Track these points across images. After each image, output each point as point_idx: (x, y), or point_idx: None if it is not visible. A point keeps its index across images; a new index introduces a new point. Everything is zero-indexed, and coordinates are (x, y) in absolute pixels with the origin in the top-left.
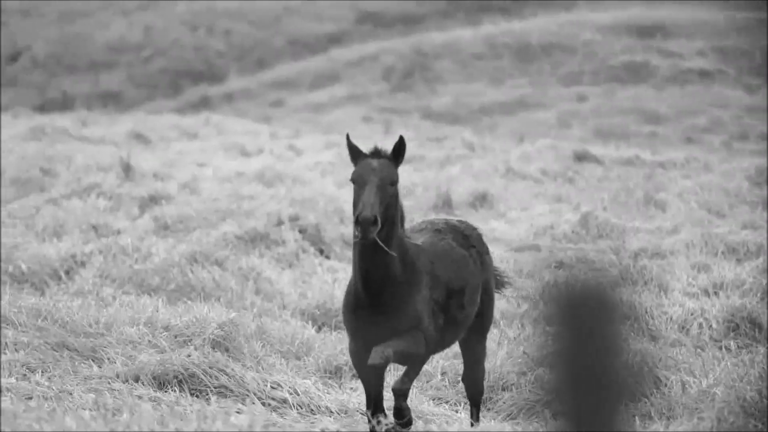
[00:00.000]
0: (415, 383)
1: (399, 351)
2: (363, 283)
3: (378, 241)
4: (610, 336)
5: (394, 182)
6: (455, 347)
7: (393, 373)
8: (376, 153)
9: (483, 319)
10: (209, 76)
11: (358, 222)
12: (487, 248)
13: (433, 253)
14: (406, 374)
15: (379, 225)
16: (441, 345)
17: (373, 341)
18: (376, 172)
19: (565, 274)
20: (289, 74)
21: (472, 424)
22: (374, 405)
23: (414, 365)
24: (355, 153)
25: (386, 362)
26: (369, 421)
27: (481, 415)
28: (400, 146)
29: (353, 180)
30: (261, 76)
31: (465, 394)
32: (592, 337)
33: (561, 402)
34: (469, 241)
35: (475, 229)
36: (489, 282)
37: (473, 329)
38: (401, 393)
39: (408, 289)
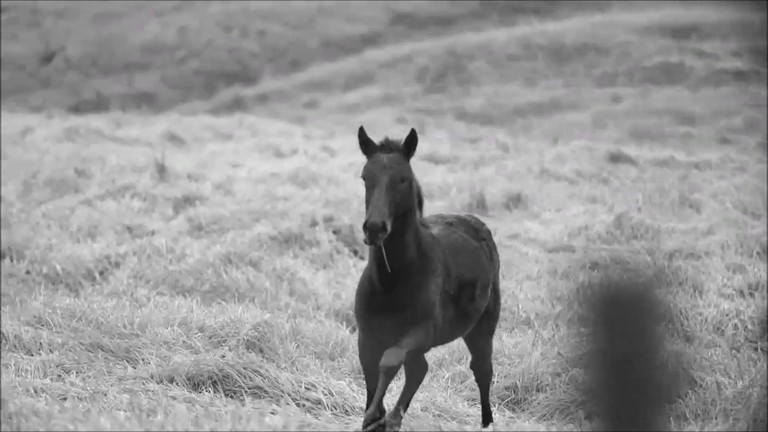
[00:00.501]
0: (449, 383)
1: (412, 351)
2: (378, 270)
3: (383, 250)
4: (646, 337)
5: (405, 178)
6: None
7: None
8: (387, 146)
9: (490, 317)
10: (243, 77)
11: (365, 227)
12: (494, 244)
13: (447, 245)
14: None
15: (388, 230)
16: (448, 337)
17: (384, 331)
18: (387, 169)
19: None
20: (322, 75)
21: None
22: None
23: (416, 358)
24: (366, 146)
25: (400, 364)
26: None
27: (515, 415)
28: (411, 139)
29: (363, 177)
30: (295, 77)
31: (500, 395)
32: (628, 337)
33: (596, 403)
34: (480, 234)
35: (484, 224)
36: (497, 278)
37: (480, 326)
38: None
39: (422, 278)
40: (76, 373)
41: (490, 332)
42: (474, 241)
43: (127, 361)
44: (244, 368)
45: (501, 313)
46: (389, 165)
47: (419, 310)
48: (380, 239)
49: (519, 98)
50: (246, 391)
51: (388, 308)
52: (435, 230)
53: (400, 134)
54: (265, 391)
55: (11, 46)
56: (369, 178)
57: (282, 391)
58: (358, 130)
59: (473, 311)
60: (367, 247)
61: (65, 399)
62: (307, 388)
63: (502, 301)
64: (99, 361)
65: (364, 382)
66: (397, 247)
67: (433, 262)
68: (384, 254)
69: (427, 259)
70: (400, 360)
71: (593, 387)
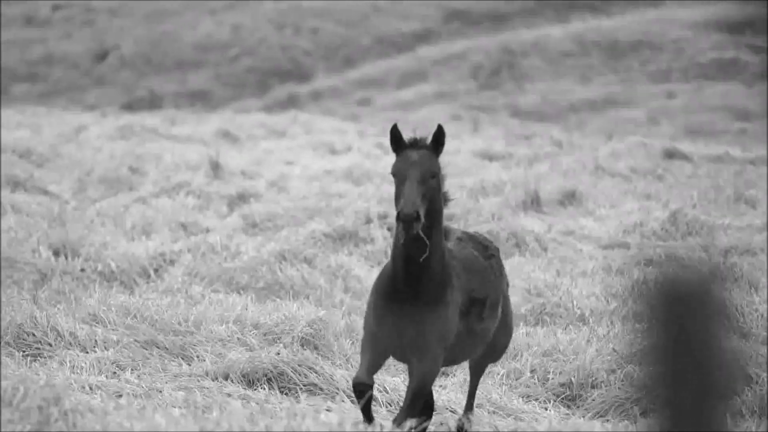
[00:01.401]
0: (504, 380)
1: (418, 395)
2: (404, 277)
3: (421, 233)
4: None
5: (435, 174)
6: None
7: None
8: (416, 143)
9: (495, 345)
10: (296, 74)
11: (399, 218)
12: (502, 263)
13: (460, 259)
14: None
15: (422, 220)
16: (456, 358)
17: (398, 336)
18: (416, 165)
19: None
20: (376, 73)
21: (463, 421)
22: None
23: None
24: (396, 143)
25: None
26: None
27: (569, 411)
28: (439, 135)
29: (393, 173)
30: (348, 75)
31: (555, 392)
32: (685, 334)
33: (652, 400)
34: (489, 251)
35: (492, 242)
36: (507, 301)
37: (485, 353)
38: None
39: (443, 291)
40: (131, 370)
41: (493, 359)
42: (483, 259)
43: (182, 359)
44: (299, 365)
45: (556, 310)
46: (419, 160)
47: (437, 329)
48: (415, 229)
49: (573, 95)
50: (301, 388)
51: (407, 315)
52: (448, 244)
53: (454, 131)
54: (320, 388)
55: (65, 45)
56: (399, 173)
57: (337, 388)
58: (392, 128)
59: (481, 331)
60: None
61: (120, 396)
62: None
63: (556, 298)
64: (154, 358)
65: None
66: (422, 248)
67: (452, 275)
68: (423, 238)
69: (447, 272)
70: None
71: (649, 384)
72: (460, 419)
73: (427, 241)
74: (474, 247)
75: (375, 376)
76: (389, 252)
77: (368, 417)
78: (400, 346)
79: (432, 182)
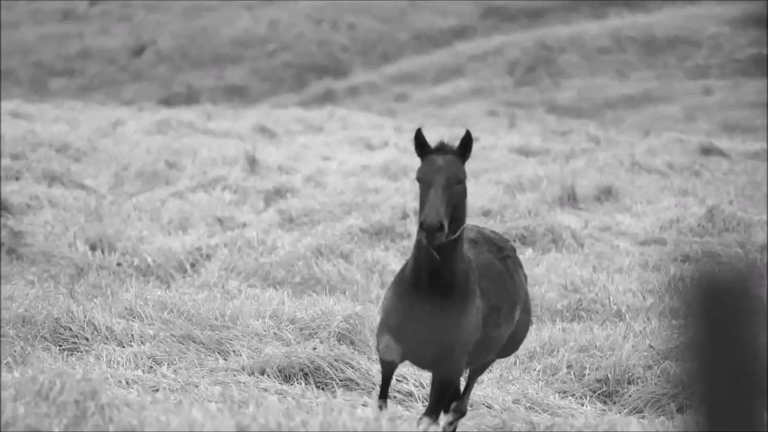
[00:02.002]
0: (540, 376)
1: (440, 403)
2: (428, 284)
3: (433, 252)
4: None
5: (460, 181)
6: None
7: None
8: (442, 148)
9: (513, 341)
10: (333, 70)
11: (422, 228)
12: (520, 262)
13: (477, 266)
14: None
15: (446, 230)
16: (471, 363)
17: (421, 341)
18: (442, 171)
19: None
20: (413, 68)
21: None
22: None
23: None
24: (421, 148)
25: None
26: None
27: (606, 407)
28: (467, 141)
29: (418, 179)
30: (385, 70)
31: (591, 387)
32: (722, 330)
33: (689, 396)
34: (504, 252)
35: (508, 241)
36: (527, 297)
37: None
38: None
39: (465, 301)
40: (168, 364)
41: (503, 354)
42: (499, 263)
43: (219, 353)
44: (335, 360)
45: (593, 306)
46: (445, 166)
47: (462, 338)
48: (438, 239)
49: (610, 91)
50: (337, 383)
51: (431, 324)
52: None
53: (490, 127)
54: (357, 383)
55: (102, 40)
56: (424, 179)
57: (373, 384)
58: (416, 132)
59: (497, 338)
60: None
61: (157, 390)
62: (399, 380)
63: (593, 294)
64: (190, 352)
65: None
66: (451, 252)
67: (473, 283)
68: (435, 255)
69: (469, 280)
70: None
71: (686, 380)
72: (448, 415)
73: (437, 257)
74: (489, 249)
75: (412, 372)
76: None
77: (385, 393)
78: (421, 353)
79: (457, 189)
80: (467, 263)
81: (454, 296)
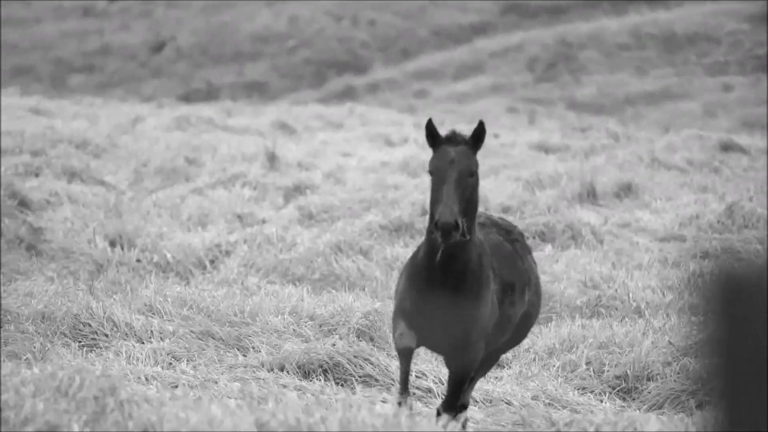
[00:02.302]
0: (559, 372)
1: (459, 389)
2: (442, 274)
3: (446, 248)
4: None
5: (473, 173)
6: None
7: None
8: (454, 139)
9: (522, 328)
10: (353, 66)
11: (437, 227)
12: (529, 248)
13: (489, 247)
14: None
15: (461, 228)
16: (489, 346)
17: (437, 329)
18: (455, 164)
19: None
20: (433, 65)
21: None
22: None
23: (461, 383)
24: (433, 138)
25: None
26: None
27: (625, 404)
28: (479, 132)
29: (430, 172)
30: (405, 67)
31: (610, 384)
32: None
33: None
34: (512, 236)
35: (515, 226)
36: (538, 281)
37: (508, 341)
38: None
39: (480, 290)
40: (187, 361)
41: (510, 345)
42: (508, 244)
43: (238, 350)
44: (355, 356)
45: (612, 302)
46: (457, 159)
47: (479, 325)
48: (454, 238)
49: (630, 87)
50: (356, 380)
51: (447, 313)
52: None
53: (510, 123)
54: (376, 380)
55: (122, 36)
56: (437, 172)
57: (392, 380)
58: (427, 123)
59: (513, 316)
60: None
61: (176, 387)
62: (418, 377)
63: (612, 291)
64: (210, 349)
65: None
66: (462, 249)
67: (486, 269)
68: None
69: (482, 266)
70: (449, 415)
71: (705, 376)
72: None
73: (451, 252)
74: (497, 232)
75: (431, 368)
76: None
77: (406, 385)
78: (436, 340)
79: (470, 181)
80: (479, 246)
81: (468, 284)
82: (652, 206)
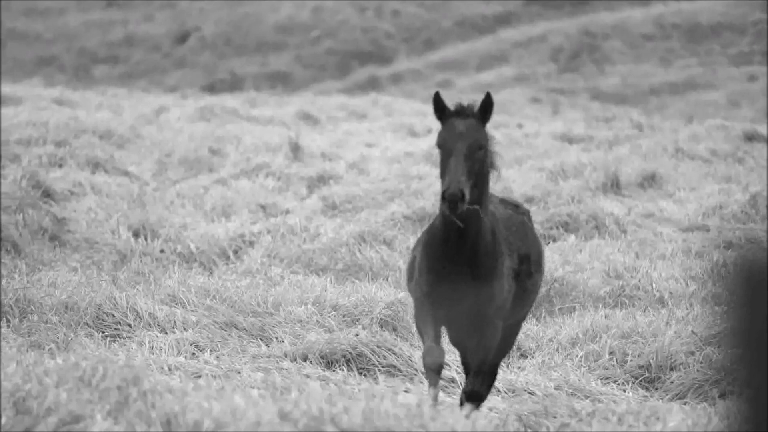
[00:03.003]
0: (582, 362)
1: (484, 366)
2: (456, 251)
3: (456, 220)
4: None
5: (482, 146)
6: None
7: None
8: (462, 112)
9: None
10: (377, 57)
11: (444, 198)
12: (533, 225)
13: (502, 220)
14: (476, 374)
15: (467, 198)
16: (509, 318)
17: (455, 310)
18: (464, 137)
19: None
20: (456, 55)
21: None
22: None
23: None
24: (441, 112)
25: (482, 395)
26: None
27: (648, 393)
28: (487, 104)
29: (439, 145)
30: (429, 57)
31: (633, 374)
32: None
33: (731, 382)
34: (520, 210)
35: (521, 203)
36: (542, 262)
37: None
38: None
39: (495, 263)
40: (210, 351)
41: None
42: (518, 215)
43: (261, 340)
44: (378, 347)
45: (635, 292)
46: (466, 132)
47: (496, 303)
48: (460, 209)
49: (654, 78)
50: (379, 370)
51: (463, 292)
52: None
53: (534, 114)
54: (399, 370)
55: (146, 27)
56: (445, 146)
57: (415, 370)
58: (435, 95)
59: (531, 287)
60: None
61: (199, 377)
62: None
63: (635, 280)
64: (233, 339)
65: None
66: (476, 220)
67: (501, 243)
68: (458, 223)
69: (496, 240)
70: (476, 397)
71: (728, 366)
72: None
73: (459, 223)
74: (505, 206)
75: (455, 358)
76: None
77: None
78: (456, 322)
79: (479, 154)
80: (493, 221)
81: (482, 260)
82: (675, 196)
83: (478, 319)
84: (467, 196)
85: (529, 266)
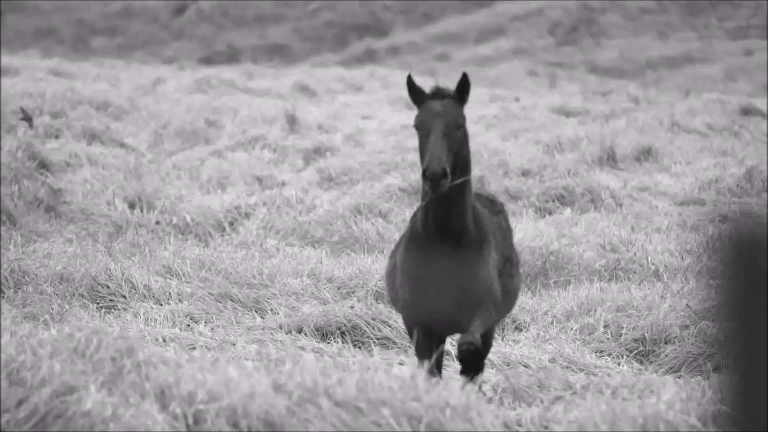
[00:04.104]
0: (577, 335)
1: (481, 330)
2: (439, 235)
3: (438, 199)
4: None
5: (460, 125)
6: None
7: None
8: (439, 93)
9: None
10: (375, 29)
11: (425, 177)
12: (509, 219)
13: (485, 217)
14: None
15: (449, 177)
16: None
17: (438, 294)
18: (441, 116)
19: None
20: (454, 28)
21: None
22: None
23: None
24: (415, 94)
25: (477, 346)
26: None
27: (642, 367)
28: (464, 84)
29: (416, 126)
30: (426, 30)
31: (628, 347)
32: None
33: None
34: (496, 207)
35: (496, 197)
36: (519, 262)
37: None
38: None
39: (479, 249)
40: (205, 322)
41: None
42: (494, 217)
43: (256, 312)
44: (373, 319)
45: (631, 266)
46: (443, 111)
47: (480, 286)
48: (443, 187)
49: (651, 51)
50: (374, 342)
51: (447, 273)
52: None
53: (531, 87)
54: (394, 342)
55: None
56: (422, 126)
57: (410, 343)
58: (407, 78)
59: (513, 289)
60: (498, 198)
61: (194, 348)
62: None
63: (631, 254)
64: (228, 311)
65: (493, 335)
66: (457, 204)
67: (486, 232)
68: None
69: (480, 228)
70: (475, 343)
71: (720, 339)
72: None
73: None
74: (482, 203)
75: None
76: None
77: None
78: (444, 311)
79: (458, 134)
80: (477, 212)
81: (466, 244)
82: (671, 170)
83: (468, 301)
84: (449, 174)
85: (511, 268)
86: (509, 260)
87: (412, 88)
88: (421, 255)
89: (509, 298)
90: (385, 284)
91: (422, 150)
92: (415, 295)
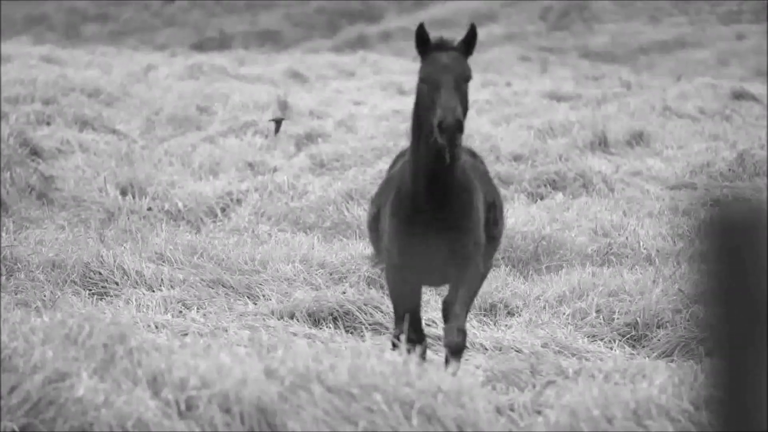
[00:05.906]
0: (569, 320)
1: (469, 304)
2: (428, 189)
3: (445, 155)
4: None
5: (467, 79)
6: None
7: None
8: (444, 45)
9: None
10: (367, 15)
11: (442, 130)
12: (485, 165)
13: (468, 164)
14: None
15: (464, 130)
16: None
17: (429, 257)
18: (450, 69)
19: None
20: (446, 13)
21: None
22: (414, 329)
23: (471, 298)
24: (422, 44)
25: (465, 340)
26: (393, 345)
27: (634, 351)
28: (471, 36)
29: (423, 79)
30: (418, 15)
31: (620, 331)
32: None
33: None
34: (477, 159)
35: (472, 149)
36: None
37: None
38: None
39: (468, 197)
40: (197, 309)
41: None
42: (473, 160)
43: (248, 298)
44: (365, 304)
45: (623, 250)
46: (452, 64)
47: (471, 236)
48: (458, 140)
49: (643, 36)
50: (366, 327)
51: (436, 228)
52: None
53: (523, 72)
54: (386, 327)
55: None
56: (430, 79)
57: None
58: (418, 27)
59: (497, 235)
60: None
61: (186, 335)
62: (428, 325)
63: (622, 238)
64: (220, 297)
65: (485, 319)
66: (449, 167)
67: (472, 180)
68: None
69: (467, 177)
70: (464, 336)
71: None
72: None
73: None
74: (465, 152)
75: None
76: None
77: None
78: (434, 269)
79: (464, 87)
80: (464, 164)
81: (459, 197)
82: (663, 154)
83: (457, 255)
84: (464, 127)
85: (495, 213)
86: (493, 205)
87: (423, 38)
88: (410, 216)
89: (493, 244)
90: (366, 231)
91: (430, 104)
92: (404, 258)
